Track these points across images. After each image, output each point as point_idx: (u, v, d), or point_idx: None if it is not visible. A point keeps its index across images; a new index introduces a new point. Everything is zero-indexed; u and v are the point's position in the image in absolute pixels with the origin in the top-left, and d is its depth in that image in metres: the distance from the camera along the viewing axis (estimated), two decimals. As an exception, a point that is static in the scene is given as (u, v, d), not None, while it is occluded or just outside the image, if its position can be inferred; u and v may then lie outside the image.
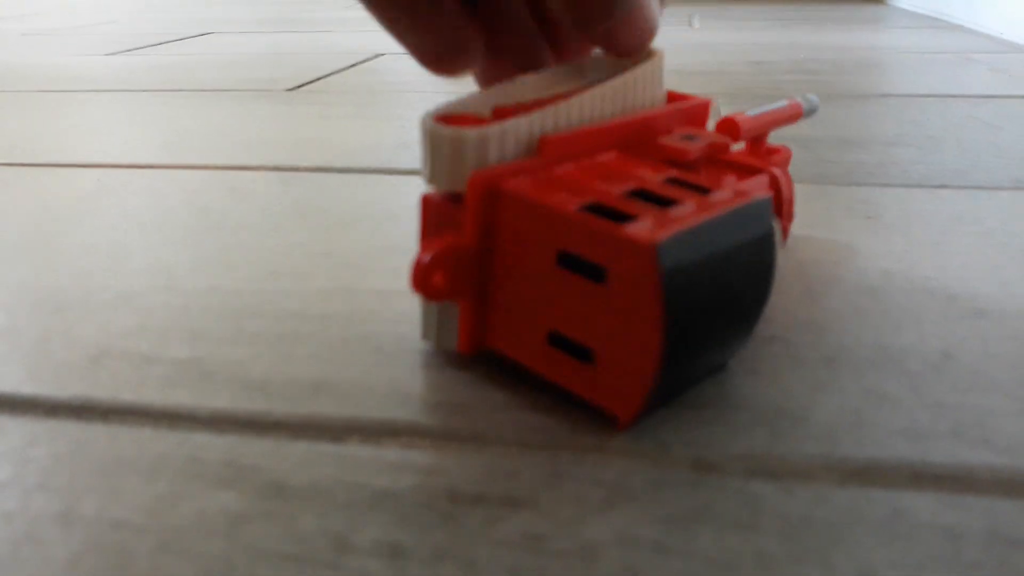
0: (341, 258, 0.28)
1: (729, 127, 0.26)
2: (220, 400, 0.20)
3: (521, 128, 0.20)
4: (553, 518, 0.16)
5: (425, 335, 0.22)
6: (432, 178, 0.20)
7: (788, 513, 0.16)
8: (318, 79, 0.63)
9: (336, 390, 0.20)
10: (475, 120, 0.20)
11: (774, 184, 0.25)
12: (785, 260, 0.27)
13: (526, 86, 0.23)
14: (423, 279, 0.19)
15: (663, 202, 0.19)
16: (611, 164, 0.21)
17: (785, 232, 0.25)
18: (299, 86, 0.60)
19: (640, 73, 0.23)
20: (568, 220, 0.18)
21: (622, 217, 0.18)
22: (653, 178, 0.20)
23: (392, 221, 0.32)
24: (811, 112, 0.30)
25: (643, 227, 0.17)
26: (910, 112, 0.46)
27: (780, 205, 0.25)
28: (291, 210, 0.33)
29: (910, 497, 0.17)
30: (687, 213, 0.18)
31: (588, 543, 0.15)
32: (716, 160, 0.26)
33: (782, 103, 0.29)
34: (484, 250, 0.20)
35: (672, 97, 0.24)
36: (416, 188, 0.36)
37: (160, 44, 0.85)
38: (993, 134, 0.42)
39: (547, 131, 0.21)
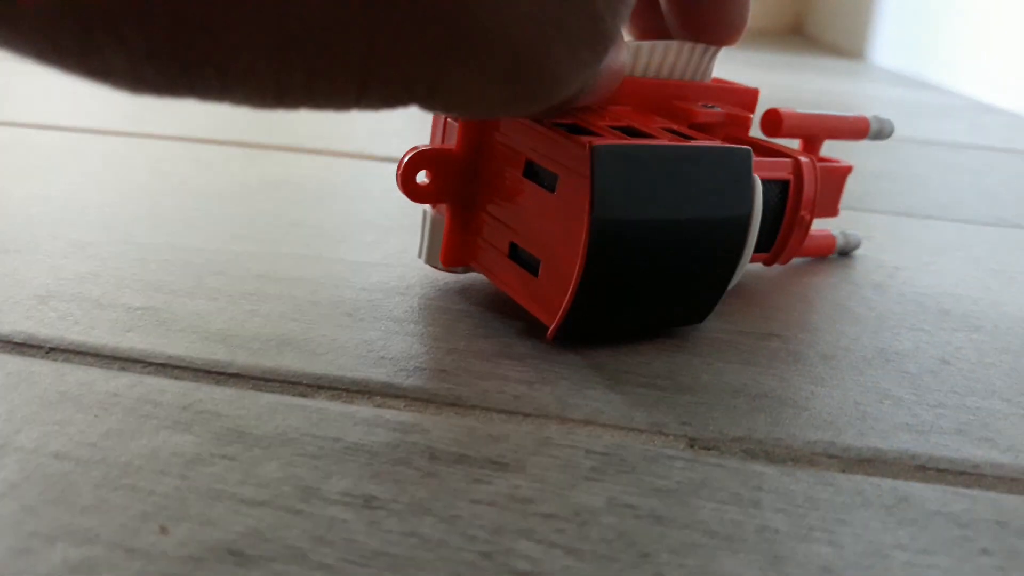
0: (312, 228, 0.27)
1: (772, 118, 0.24)
2: (177, 347, 0.19)
3: None
4: (541, 482, 0.15)
5: (420, 252, 0.22)
6: None
7: (792, 492, 0.15)
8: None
9: (304, 347, 0.19)
10: None
11: (795, 170, 0.23)
12: (778, 266, 0.26)
13: None
14: (405, 175, 0.20)
15: (642, 136, 0.18)
16: (618, 110, 0.21)
17: (806, 224, 0.23)
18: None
19: (685, 48, 0.22)
20: (537, 130, 0.18)
21: (592, 135, 0.18)
22: (649, 124, 0.20)
23: (366, 200, 0.31)
24: (880, 134, 0.27)
25: (596, 139, 0.17)
26: (894, 152, 0.46)
27: (800, 193, 0.23)
28: (258, 183, 0.32)
29: (916, 487, 0.15)
30: (652, 141, 0.18)
31: (579, 508, 0.14)
32: (739, 138, 0.24)
33: (848, 114, 0.26)
34: (470, 164, 0.20)
35: (718, 82, 0.24)
36: (390, 175, 0.35)
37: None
38: (976, 178, 0.42)
39: None
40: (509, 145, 0.19)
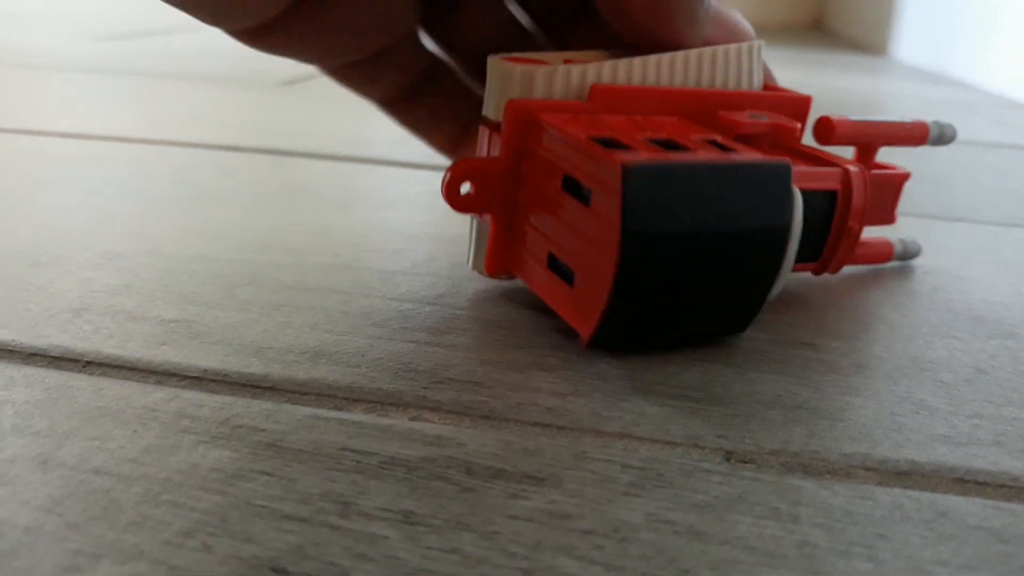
0: (338, 237, 0.27)
1: (824, 126, 0.24)
2: (212, 360, 0.19)
3: (573, 74, 0.20)
4: (579, 497, 0.15)
5: (468, 259, 0.23)
6: (485, 108, 0.21)
7: (830, 507, 0.15)
8: (314, 76, 0.62)
9: (338, 359, 0.19)
10: (539, 63, 0.21)
11: (844, 180, 0.22)
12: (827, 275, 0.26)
13: (608, 53, 0.22)
14: (451, 187, 0.20)
15: (679, 150, 0.18)
16: (660, 122, 0.21)
17: (855, 234, 0.23)
18: (294, 81, 0.59)
19: (724, 52, 0.22)
20: (575, 145, 0.18)
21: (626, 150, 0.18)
22: (690, 135, 0.19)
23: (392, 208, 0.31)
24: (941, 139, 0.26)
25: (629, 155, 0.17)
26: (918, 152, 0.45)
27: (848, 203, 0.22)
28: (283, 191, 0.32)
29: (955, 500, 0.15)
30: (686, 156, 0.18)
31: (618, 524, 0.14)
32: (788, 148, 0.23)
33: (905, 119, 0.25)
34: (515, 174, 0.20)
35: (769, 89, 0.23)
36: (416, 182, 0.35)
37: (150, 34, 0.84)
38: (1004, 178, 0.42)
39: (603, 82, 0.21)
40: (550, 159, 0.19)
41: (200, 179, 0.33)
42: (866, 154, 0.25)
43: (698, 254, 0.18)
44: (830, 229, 0.23)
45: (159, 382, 0.18)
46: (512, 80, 0.20)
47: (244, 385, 0.18)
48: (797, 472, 0.16)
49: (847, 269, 0.27)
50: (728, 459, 0.16)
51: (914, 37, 0.98)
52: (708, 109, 0.22)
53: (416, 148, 0.41)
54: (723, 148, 0.19)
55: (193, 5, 0.20)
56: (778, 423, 0.18)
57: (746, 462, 0.16)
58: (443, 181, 0.20)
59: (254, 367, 0.19)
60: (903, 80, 0.81)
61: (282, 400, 0.17)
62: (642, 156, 0.17)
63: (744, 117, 0.21)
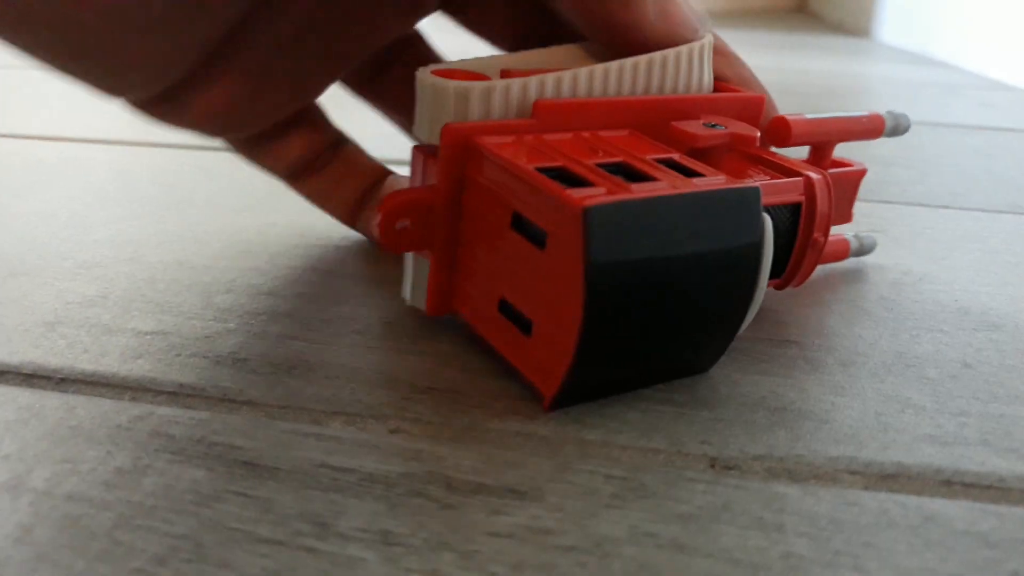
0: (318, 240, 0.27)
1: (779, 127, 0.22)
2: (188, 375, 0.18)
3: (514, 89, 0.19)
4: (561, 511, 0.15)
5: (404, 291, 0.21)
6: (417, 129, 0.19)
7: (815, 515, 0.15)
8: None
9: (316, 370, 0.19)
10: (474, 77, 0.19)
11: (808, 189, 0.21)
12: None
13: (552, 55, 0.21)
14: (385, 224, 0.18)
15: (639, 178, 0.17)
16: (611, 139, 0.19)
17: (820, 246, 0.21)
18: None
19: (674, 56, 0.21)
20: (522, 179, 0.17)
21: (582, 184, 0.16)
22: (644, 156, 0.18)
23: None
24: (896, 130, 0.25)
25: (588, 193, 0.16)
26: (904, 137, 0.45)
27: (813, 215, 0.21)
28: (264, 192, 0.32)
29: (942, 504, 0.15)
30: (650, 188, 0.16)
31: (600, 538, 0.14)
32: (749, 155, 0.22)
33: (859, 113, 0.24)
34: (454, 205, 0.19)
35: (722, 90, 0.22)
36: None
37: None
38: (987, 162, 0.42)
39: (546, 97, 0.19)
40: (495, 190, 0.18)
41: (181, 181, 0.33)
42: (821, 152, 0.24)
43: (667, 296, 0.17)
44: (794, 243, 0.21)
45: (134, 398, 0.18)
46: (445, 99, 0.18)
47: (220, 400, 0.18)
48: (782, 478, 0.16)
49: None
50: (712, 466, 0.16)
51: (897, 19, 0.98)
52: (659, 119, 0.20)
53: (391, 143, 0.40)
54: (683, 169, 0.18)
55: (81, 75, 0.19)
56: (763, 426, 0.17)
57: (730, 468, 0.16)
58: (378, 219, 0.18)
59: (230, 380, 0.18)
60: (887, 62, 0.80)
61: (259, 415, 0.17)
62: (602, 194, 0.16)
63: (699, 128, 0.20)
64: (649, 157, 0.18)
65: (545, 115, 0.19)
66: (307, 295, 0.23)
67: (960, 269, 0.27)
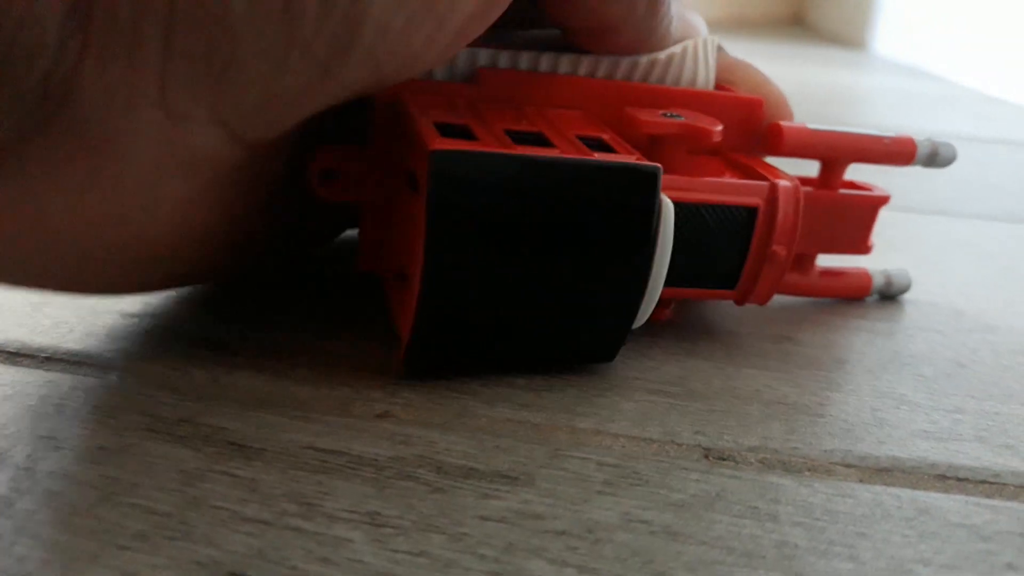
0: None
1: (771, 134, 0.20)
2: (174, 358, 0.18)
3: (479, 56, 0.18)
4: (552, 497, 0.14)
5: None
6: None
7: (809, 505, 0.15)
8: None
9: (305, 356, 0.19)
10: None
11: (769, 197, 0.19)
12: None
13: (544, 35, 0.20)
14: (312, 173, 0.18)
15: (540, 145, 0.16)
16: (551, 114, 0.18)
17: (780, 259, 0.19)
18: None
19: (665, 55, 0.20)
20: (411, 128, 0.16)
21: (468, 138, 0.16)
22: (569, 132, 0.17)
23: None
24: (935, 160, 0.22)
25: (455, 142, 0.15)
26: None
27: (771, 224, 0.19)
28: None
29: (936, 497, 0.15)
30: (529, 149, 0.16)
31: (592, 524, 0.14)
32: (722, 157, 0.21)
33: (886, 134, 0.21)
34: (384, 160, 0.18)
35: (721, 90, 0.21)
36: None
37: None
38: (982, 171, 0.42)
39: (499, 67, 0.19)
40: (402, 146, 0.17)
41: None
42: (831, 170, 0.21)
43: (526, 260, 0.16)
44: (747, 252, 0.19)
45: (120, 379, 0.17)
46: None
47: (208, 383, 0.17)
48: (776, 469, 0.16)
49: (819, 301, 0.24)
50: (706, 456, 0.16)
51: (892, 32, 0.98)
52: (618, 104, 0.19)
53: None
54: (604, 148, 0.17)
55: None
56: (757, 419, 0.17)
57: (724, 459, 0.16)
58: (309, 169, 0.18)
59: (218, 364, 0.18)
60: (881, 74, 0.81)
61: (246, 398, 0.17)
62: (468, 145, 0.15)
63: (653, 115, 0.18)
64: (574, 133, 0.17)
65: (489, 82, 0.18)
66: (297, 284, 0.22)
67: (955, 273, 0.27)
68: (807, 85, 0.69)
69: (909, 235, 0.30)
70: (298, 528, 0.13)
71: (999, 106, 0.65)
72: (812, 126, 0.21)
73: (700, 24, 0.21)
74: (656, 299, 0.17)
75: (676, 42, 0.20)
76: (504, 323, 0.17)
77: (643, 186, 0.16)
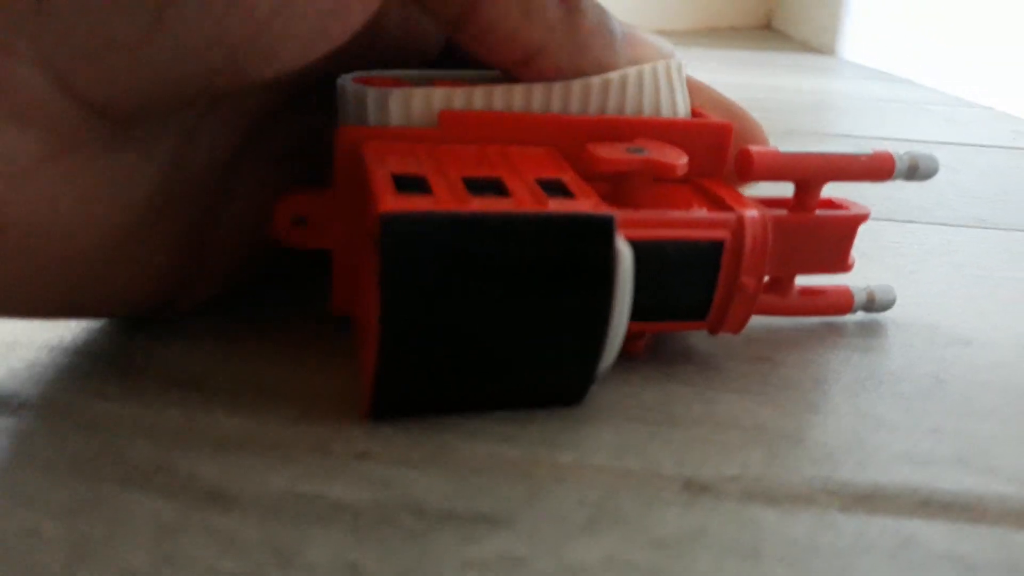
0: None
1: (741, 160, 0.20)
2: (149, 396, 0.18)
3: (436, 98, 0.18)
4: (534, 539, 0.14)
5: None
6: None
7: (791, 539, 0.14)
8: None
9: (280, 393, 0.18)
10: (396, 84, 0.19)
11: (736, 229, 0.18)
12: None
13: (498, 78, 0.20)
14: (278, 220, 0.18)
15: (498, 194, 0.16)
16: (514, 154, 0.18)
17: (749, 292, 0.19)
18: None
19: (618, 78, 0.19)
20: (368, 180, 0.16)
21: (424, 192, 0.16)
22: (528, 175, 0.17)
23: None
24: (916, 173, 0.21)
25: (413, 202, 0.15)
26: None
27: (739, 256, 0.19)
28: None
29: (919, 525, 0.15)
30: (482, 203, 0.15)
31: (575, 567, 0.14)
32: (691, 183, 0.20)
33: (860, 151, 0.21)
34: (351, 205, 0.18)
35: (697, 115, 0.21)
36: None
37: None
38: (953, 176, 0.42)
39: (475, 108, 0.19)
40: (365, 196, 0.17)
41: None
42: (806, 192, 0.21)
43: (484, 313, 0.16)
44: (715, 284, 0.19)
45: (92, 423, 0.17)
46: (363, 105, 0.18)
47: (183, 427, 0.17)
48: (757, 500, 0.16)
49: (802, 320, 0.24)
50: (687, 488, 0.16)
51: (862, 37, 0.99)
52: (581, 138, 0.19)
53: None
54: (562, 192, 0.16)
55: None
56: (737, 446, 0.17)
57: (705, 490, 0.16)
58: (274, 217, 0.19)
59: (192, 405, 0.18)
60: (851, 79, 0.81)
61: (222, 440, 0.17)
62: (409, 206, 0.15)
63: (616, 151, 0.18)
64: (533, 177, 0.17)
65: (450, 125, 0.18)
66: (274, 318, 0.22)
67: (928, 284, 0.27)
68: (778, 91, 0.69)
69: (882, 245, 0.30)
70: (276, 581, 0.13)
71: (968, 109, 0.65)
72: (784, 149, 0.20)
73: (662, 46, 0.21)
74: (620, 341, 0.17)
75: (629, 62, 0.20)
76: (465, 373, 0.16)
77: (597, 235, 0.16)
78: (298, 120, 0.21)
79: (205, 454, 0.16)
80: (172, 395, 0.18)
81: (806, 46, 1.14)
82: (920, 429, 0.18)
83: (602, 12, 0.19)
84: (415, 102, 0.18)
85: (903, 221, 0.34)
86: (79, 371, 0.19)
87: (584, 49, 0.19)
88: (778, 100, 0.64)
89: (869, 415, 0.19)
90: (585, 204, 0.16)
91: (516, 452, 0.17)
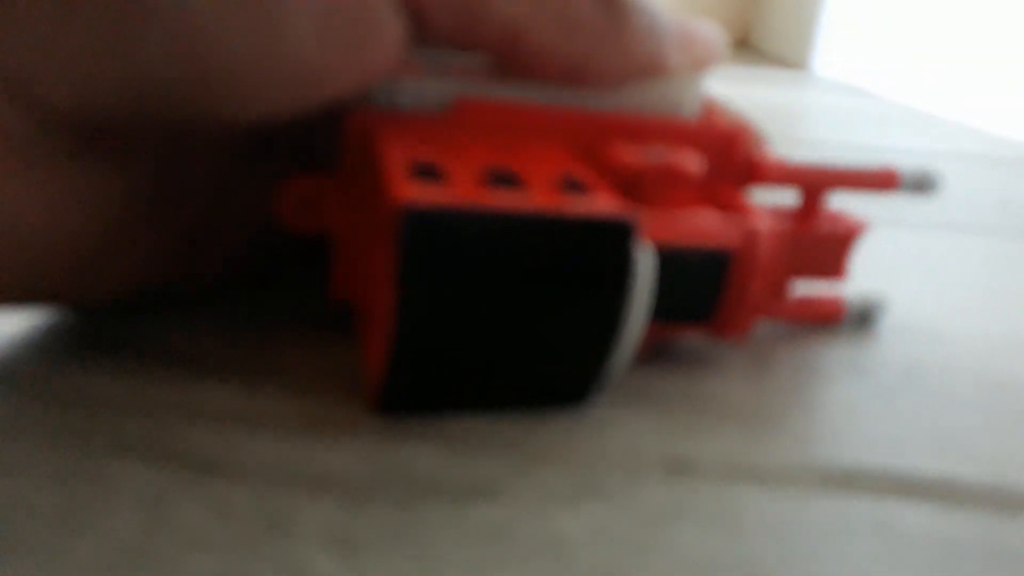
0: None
1: (750, 169, 0.20)
2: (142, 372, 0.18)
3: (449, 85, 0.18)
4: (519, 511, 0.14)
5: None
6: None
7: (772, 516, 0.15)
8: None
9: (274, 370, 0.18)
10: (416, 68, 0.19)
11: (747, 239, 0.18)
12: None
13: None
14: (281, 201, 0.18)
15: (513, 186, 0.16)
16: (528, 148, 0.18)
17: (756, 295, 0.19)
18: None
19: (647, 83, 0.19)
20: (381, 165, 0.16)
21: (438, 179, 0.16)
22: (541, 167, 0.17)
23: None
24: (918, 187, 0.22)
25: (431, 192, 0.15)
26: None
27: (750, 265, 0.19)
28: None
29: (898, 506, 0.15)
30: (501, 199, 0.15)
31: (559, 538, 0.14)
32: (709, 192, 0.21)
33: (867, 166, 0.21)
34: (355, 189, 0.18)
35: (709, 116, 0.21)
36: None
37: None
38: (924, 185, 0.43)
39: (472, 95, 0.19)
40: (375, 181, 0.17)
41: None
42: (812, 199, 0.21)
43: (500, 308, 0.16)
44: (720, 291, 0.19)
45: (84, 398, 0.17)
46: (378, 90, 0.18)
47: (174, 403, 0.17)
48: (738, 478, 0.16)
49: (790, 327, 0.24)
50: (671, 466, 0.16)
51: (833, 53, 1.01)
52: (597, 135, 0.19)
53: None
54: (580, 189, 0.16)
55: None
56: (720, 427, 0.17)
57: (689, 468, 0.16)
58: (277, 199, 0.18)
59: (186, 380, 0.18)
60: (823, 93, 0.83)
61: (214, 415, 0.17)
62: (431, 197, 0.15)
63: (635, 154, 0.18)
64: (550, 170, 0.17)
65: (464, 112, 0.18)
66: (272, 299, 0.22)
67: (902, 283, 0.27)
68: (755, 104, 0.70)
69: (858, 248, 0.31)
70: (266, 550, 0.13)
71: (937, 123, 0.67)
72: (791, 162, 0.21)
73: (714, 41, 0.20)
74: (635, 344, 0.17)
75: (681, 63, 0.19)
76: (475, 370, 0.16)
77: (617, 238, 0.16)
78: (301, 124, 0.21)
79: (198, 426, 0.16)
80: (166, 371, 0.18)
81: (781, 61, 1.15)
82: (898, 416, 0.19)
83: (650, 13, 0.18)
84: (429, 88, 0.18)
85: (878, 225, 0.35)
86: (72, 348, 0.19)
87: (631, 55, 0.18)
88: (753, 110, 0.65)
89: (846, 401, 0.19)
90: (608, 205, 0.16)
91: (505, 427, 0.17)
